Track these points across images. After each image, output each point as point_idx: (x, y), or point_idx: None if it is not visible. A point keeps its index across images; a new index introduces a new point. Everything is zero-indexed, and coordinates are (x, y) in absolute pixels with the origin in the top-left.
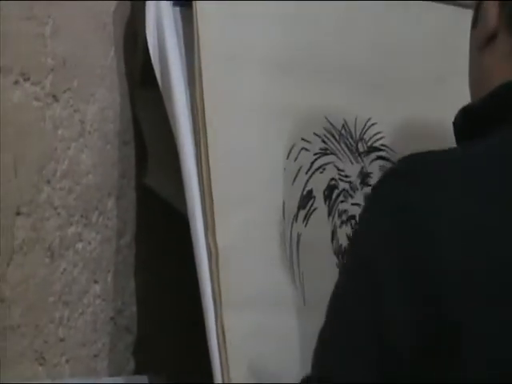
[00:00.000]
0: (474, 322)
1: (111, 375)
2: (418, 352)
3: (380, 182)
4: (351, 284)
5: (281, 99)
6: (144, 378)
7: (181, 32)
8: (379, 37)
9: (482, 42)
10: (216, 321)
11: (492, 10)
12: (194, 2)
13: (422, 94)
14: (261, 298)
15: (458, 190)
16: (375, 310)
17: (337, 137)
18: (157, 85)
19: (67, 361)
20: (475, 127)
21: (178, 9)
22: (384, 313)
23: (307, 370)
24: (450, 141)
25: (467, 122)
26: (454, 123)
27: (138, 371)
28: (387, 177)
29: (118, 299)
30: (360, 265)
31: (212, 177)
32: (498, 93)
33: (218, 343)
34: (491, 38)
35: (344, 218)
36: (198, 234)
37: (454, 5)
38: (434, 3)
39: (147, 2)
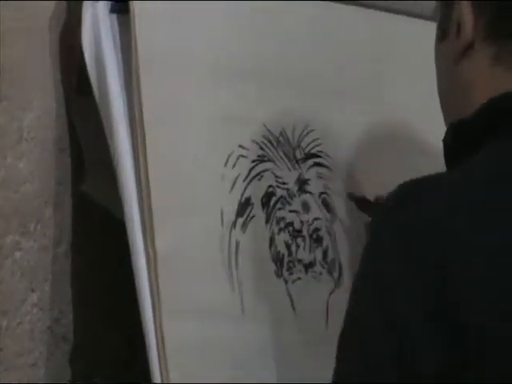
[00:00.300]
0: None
1: None
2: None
3: (382, 206)
4: (366, 302)
5: (219, 106)
6: None
7: (118, 39)
8: (317, 42)
9: (458, 54)
10: (155, 329)
11: (468, 21)
12: (130, 2)
13: (359, 99)
14: (200, 306)
15: (458, 207)
16: (388, 314)
17: (274, 144)
18: (92, 91)
19: (5, 370)
20: (468, 143)
21: (114, 15)
22: (398, 315)
23: (246, 376)
24: (387, 145)
25: (459, 138)
26: (445, 140)
27: (75, 380)
28: (389, 201)
29: (55, 308)
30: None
31: (151, 184)
32: (493, 106)
33: (158, 351)
34: (467, 49)
35: (282, 225)
36: (136, 241)
37: (386, 11)
38: (367, 10)
39: (84, 9)
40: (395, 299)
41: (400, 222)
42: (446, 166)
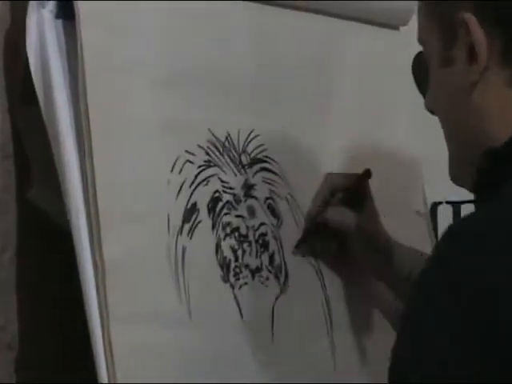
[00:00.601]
0: None
1: None
2: None
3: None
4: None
5: (164, 112)
6: None
7: (63, 45)
8: (262, 48)
9: (472, 81)
10: (103, 336)
11: (483, 47)
12: (76, 6)
13: (305, 104)
14: (147, 312)
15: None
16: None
17: (220, 149)
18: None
19: None
20: (501, 169)
21: (60, 22)
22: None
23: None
24: (328, 153)
25: (492, 165)
26: (479, 168)
27: None
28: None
29: (1, 316)
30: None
31: (97, 192)
32: None
33: (106, 358)
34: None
35: (228, 230)
36: (82, 248)
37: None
38: (316, 15)
39: (28, 11)
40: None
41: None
42: (478, 192)
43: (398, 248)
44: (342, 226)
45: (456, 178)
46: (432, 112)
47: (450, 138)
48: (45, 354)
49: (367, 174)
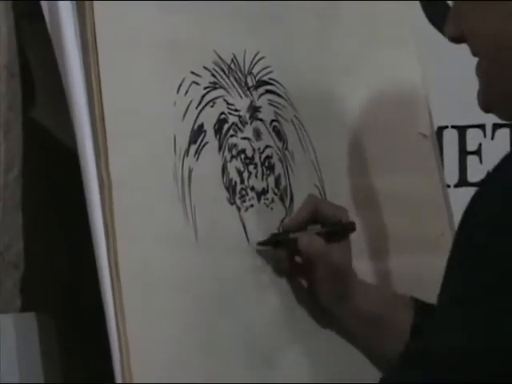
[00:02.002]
0: None
1: None
2: None
3: None
4: None
5: (170, 33)
6: (32, 316)
7: None
8: None
9: None
10: (108, 254)
11: None
12: None
13: (311, 26)
14: (153, 233)
15: None
16: None
17: (226, 71)
18: (43, 15)
19: None
20: None
21: None
22: None
23: (197, 305)
24: (334, 75)
25: None
26: None
27: (25, 308)
28: None
29: (6, 235)
30: None
31: (104, 111)
32: None
33: (111, 275)
34: None
35: (234, 152)
36: (88, 168)
37: None
38: None
39: None
40: None
41: None
42: None
43: (366, 289)
44: (309, 254)
45: (491, 105)
46: (456, 39)
47: (491, 63)
48: (50, 275)
49: (352, 227)
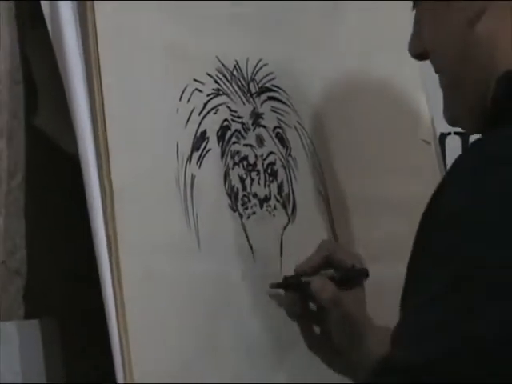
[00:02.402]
0: None
1: (2, 319)
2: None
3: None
4: None
5: (172, 40)
6: (35, 323)
7: None
8: None
9: (473, 17)
10: (110, 262)
11: None
12: None
13: (314, 34)
14: (156, 240)
15: None
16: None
17: (229, 77)
18: (45, 23)
19: None
20: None
21: None
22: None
23: (199, 312)
24: (336, 80)
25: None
26: (497, 96)
27: (29, 316)
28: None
29: (9, 242)
30: None
31: (106, 118)
32: None
33: (113, 283)
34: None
35: (236, 159)
36: (90, 175)
37: None
38: None
39: None
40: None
41: None
42: (493, 121)
43: (379, 332)
44: (321, 299)
45: (456, 119)
46: (419, 55)
47: (451, 78)
48: (54, 282)
49: (365, 273)
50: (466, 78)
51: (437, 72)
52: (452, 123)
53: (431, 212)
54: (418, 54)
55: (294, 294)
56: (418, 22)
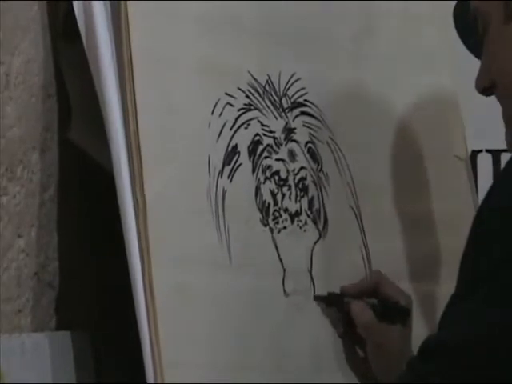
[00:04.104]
0: None
1: (34, 331)
2: None
3: None
4: None
5: (205, 54)
6: (67, 334)
7: None
8: None
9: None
10: (143, 276)
11: None
12: None
13: (347, 50)
14: (188, 254)
15: None
16: None
17: (261, 92)
18: (80, 36)
19: None
20: None
21: None
22: None
23: (229, 327)
24: (369, 96)
25: None
26: None
27: (60, 327)
28: None
29: (42, 254)
30: None
31: (140, 132)
32: None
33: (146, 300)
34: None
35: (268, 173)
36: (123, 188)
37: None
38: None
39: None
40: None
41: None
42: None
43: None
44: (358, 323)
45: None
46: (487, 90)
47: None
48: (85, 294)
49: (407, 312)
50: None
51: (502, 101)
52: None
53: (481, 211)
54: (486, 88)
55: (335, 311)
56: (485, 56)
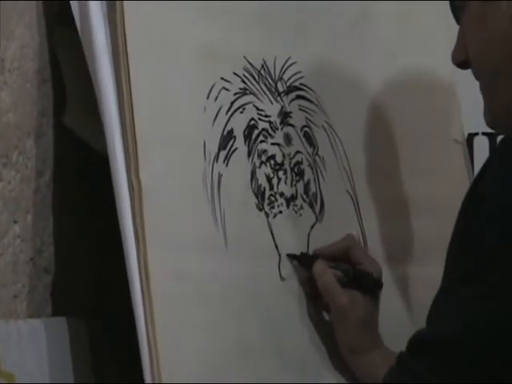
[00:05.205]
0: None
1: (30, 317)
2: None
3: None
4: None
5: (200, 39)
6: (63, 320)
7: None
8: None
9: None
10: (139, 260)
11: None
12: None
13: (342, 31)
14: (184, 239)
15: None
16: None
17: (256, 77)
18: (74, 21)
19: None
20: None
21: None
22: None
23: (226, 312)
24: (366, 81)
25: None
26: None
27: (56, 313)
28: None
29: (38, 240)
30: None
31: (134, 116)
32: None
33: (141, 282)
34: None
35: (263, 158)
36: (118, 172)
37: None
38: None
39: None
40: None
41: None
42: None
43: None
44: (318, 283)
45: (498, 122)
46: (462, 63)
47: (493, 78)
48: (81, 279)
49: (379, 284)
50: (508, 76)
51: (478, 78)
52: (491, 126)
53: (470, 198)
54: (461, 61)
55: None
56: (461, 30)
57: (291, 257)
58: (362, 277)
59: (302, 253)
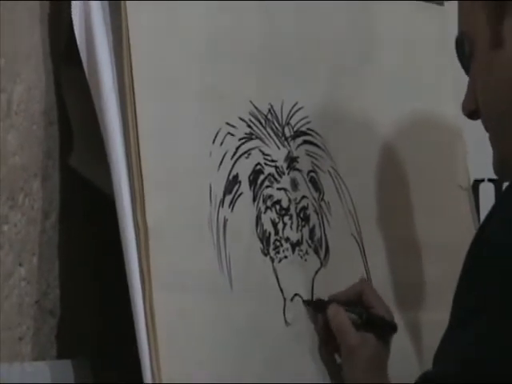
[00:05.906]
0: None
1: (35, 359)
2: None
3: None
4: None
5: (206, 83)
6: (67, 363)
7: (107, 9)
8: (303, 22)
9: None
10: (144, 302)
11: None
12: None
13: (349, 77)
14: (189, 282)
15: None
16: None
17: (262, 121)
18: (81, 63)
19: None
20: None
21: None
22: None
23: (232, 355)
24: (373, 125)
25: None
26: None
27: (61, 355)
28: None
29: (43, 282)
30: None
31: (141, 158)
32: None
33: (147, 325)
34: None
35: (269, 203)
36: (125, 214)
37: None
38: None
39: None
40: None
41: None
42: None
43: None
44: (332, 324)
45: (507, 170)
46: (472, 113)
47: (503, 123)
48: (87, 322)
49: (394, 327)
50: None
51: (487, 129)
52: (502, 174)
53: (476, 243)
54: (472, 111)
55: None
56: (471, 79)
57: (306, 302)
58: (377, 320)
59: (317, 299)
